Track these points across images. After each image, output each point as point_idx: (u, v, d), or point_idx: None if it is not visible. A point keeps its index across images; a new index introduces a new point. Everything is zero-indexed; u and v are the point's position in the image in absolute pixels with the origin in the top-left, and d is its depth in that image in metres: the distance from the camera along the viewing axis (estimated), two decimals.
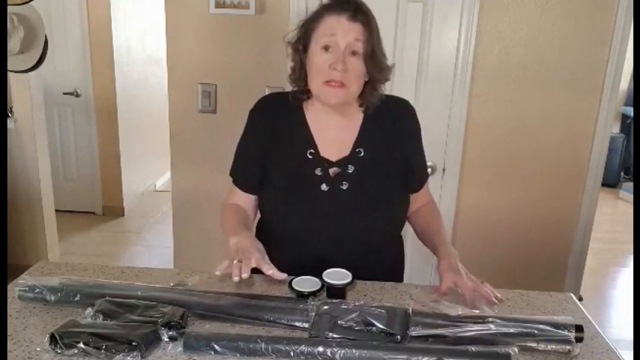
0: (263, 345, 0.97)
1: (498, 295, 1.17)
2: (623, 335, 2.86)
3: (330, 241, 1.30)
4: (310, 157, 1.31)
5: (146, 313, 1.05)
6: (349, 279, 1.18)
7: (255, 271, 1.14)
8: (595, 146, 2.42)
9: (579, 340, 1.01)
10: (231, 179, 1.42)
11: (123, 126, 4.40)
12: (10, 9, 2.38)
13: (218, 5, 2.36)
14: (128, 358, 0.94)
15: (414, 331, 1.01)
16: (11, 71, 2.65)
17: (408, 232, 1.46)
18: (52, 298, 1.12)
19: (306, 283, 1.18)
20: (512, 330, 1.00)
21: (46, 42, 2.57)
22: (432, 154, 1.58)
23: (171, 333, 1.00)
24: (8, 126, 3.03)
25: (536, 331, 1.00)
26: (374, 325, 1.00)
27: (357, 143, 1.32)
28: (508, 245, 2.57)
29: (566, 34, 2.31)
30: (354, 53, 1.22)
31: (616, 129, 5.89)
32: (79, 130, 4.34)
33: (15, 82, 3.02)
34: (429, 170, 1.52)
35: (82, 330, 0.99)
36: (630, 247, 4.11)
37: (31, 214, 3.27)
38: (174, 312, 1.05)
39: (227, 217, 1.36)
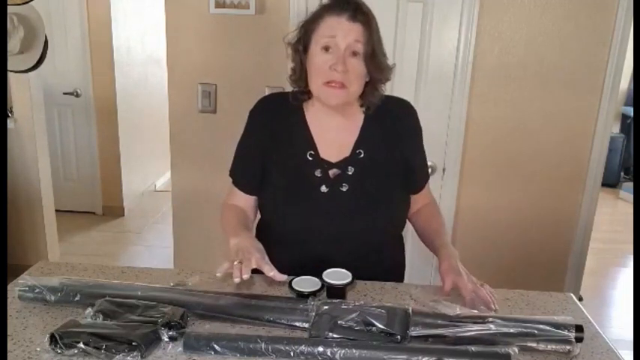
0: (263, 345, 0.97)
1: (496, 304, 1.16)
2: (623, 335, 2.86)
3: (330, 241, 1.29)
4: (310, 158, 1.31)
5: (146, 313, 1.05)
6: (349, 279, 1.18)
7: (256, 271, 1.13)
8: (595, 146, 2.42)
9: (579, 340, 1.01)
10: (230, 179, 1.42)
11: (123, 126, 4.40)
12: (10, 9, 2.38)
13: (218, 5, 2.36)
14: (128, 358, 0.95)
15: (414, 331, 1.01)
16: (11, 71, 2.65)
17: (408, 232, 1.46)
18: (52, 298, 1.12)
19: (306, 283, 1.17)
20: (512, 330, 1.00)
21: (46, 42, 2.57)
22: (432, 154, 1.58)
23: (171, 333, 1.00)
24: (8, 126, 3.03)
25: (536, 331, 1.00)
26: (374, 325, 1.00)
27: (358, 144, 1.32)
28: (508, 245, 2.57)
29: (566, 34, 2.31)
30: (354, 54, 1.21)
31: (616, 129, 5.89)
32: (79, 130, 4.34)
33: (15, 82, 3.02)
34: (429, 170, 1.52)
35: (82, 330, 0.99)
36: (630, 247, 4.11)
37: (31, 214, 3.27)
38: (174, 312, 1.05)
39: (227, 218, 1.35)
